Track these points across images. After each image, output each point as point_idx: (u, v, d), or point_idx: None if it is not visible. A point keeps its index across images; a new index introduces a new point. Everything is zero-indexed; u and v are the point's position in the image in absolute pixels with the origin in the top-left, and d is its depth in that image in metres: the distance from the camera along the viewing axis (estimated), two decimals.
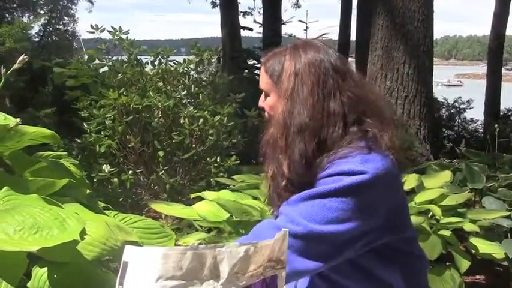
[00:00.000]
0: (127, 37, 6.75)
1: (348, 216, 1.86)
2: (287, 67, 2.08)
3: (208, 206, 4.32)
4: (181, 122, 6.17)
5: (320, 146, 1.97)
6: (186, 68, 6.94)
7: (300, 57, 2.08)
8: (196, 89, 6.70)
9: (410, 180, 4.91)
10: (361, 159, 1.91)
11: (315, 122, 2.00)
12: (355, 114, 2.01)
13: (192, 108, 6.30)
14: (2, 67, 2.56)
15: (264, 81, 2.14)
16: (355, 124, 2.00)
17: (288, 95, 2.05)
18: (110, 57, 6.95)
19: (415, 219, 4.10)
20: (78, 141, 6.41)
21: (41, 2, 20.60)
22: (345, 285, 2.02)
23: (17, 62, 2.53)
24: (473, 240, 4.63)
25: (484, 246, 4.57)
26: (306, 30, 15.29)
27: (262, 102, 2.19)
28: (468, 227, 4.62)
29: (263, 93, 2.18)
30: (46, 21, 19.22)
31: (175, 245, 2.73)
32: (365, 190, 1.88)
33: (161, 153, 6.19)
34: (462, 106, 13.71)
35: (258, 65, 17.09)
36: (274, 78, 2.10)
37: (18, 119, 2.38)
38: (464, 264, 4.34)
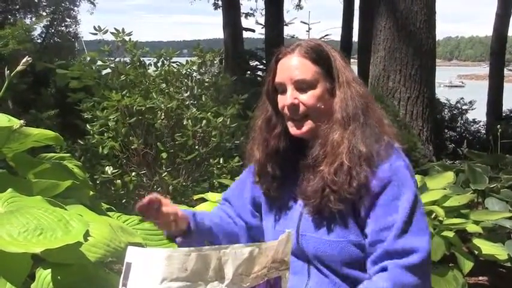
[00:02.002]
0: (130, 39, 6.74)
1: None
2: (335, 56, 2.06)
3: (212, 208, 4.32)
4: (184, 123, 6.16)
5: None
6: (188, 70, 6.93)
7: (332, 48, 2.10)
8: (199, 90, 6.69)
9: None
10: (396, 149, 2.02)
11: (371, 111, 2.06)
12: None
13: (195, 109, 6.28)
14: (6, 69, 2.56)
15: (310, 72, 2.01)
16: None
17: (348, 82, 2.03)
18: (112, 58, 6.95)
19: None
20: (81, 142, 6.40)
21: (43, 3, 20.62)
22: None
23: (21, 64, 2.53)
24: (476, 241, 4.63)
25: (487, 248, 4.57)
26: (308, 31, 15.31)
27: (295, 97, 2.02)
28: (471, 228, 4.61)
29: (292, 88, 2.03)
30: (48, 22, 19.23)
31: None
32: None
33: (164, 155, 6.18)
34: (464, 107, 13.70)
35: (261, 66, 17.09)
36: (325, 67, 2.03)
37: (22, 121, 2.39)
38: (467, 265, 4.34)
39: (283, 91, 2.06)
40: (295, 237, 2.06)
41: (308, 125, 2.03)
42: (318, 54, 2.03)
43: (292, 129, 2.06)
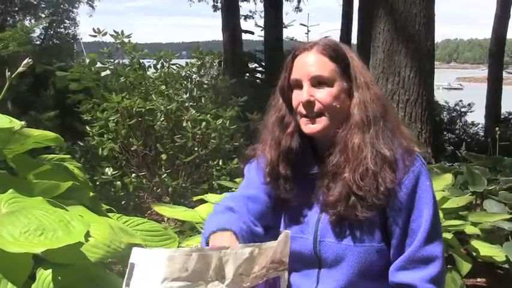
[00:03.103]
0: (129, 40, 6.76)
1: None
2: (353, 57, 2.04)
3: (211, 209, 4.31)
4: (184, 125, 6.18)
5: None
6: (188, 72, 6.96)
7: (349, 48, 2.07)
8: (199, 92, 6.71)
9: None
10: (417, 154, 2.01)
11: (390, 114, 2.04)
12: None
13: (194, 111, 6.30)
14: (6, 70, 2.57)
15: (327, 69, 1.97)
16: None
17: (367, 83, 2.00)
18: (112, 60, 6.96)
19: None
20: (81, 144, 6.42)
21: (43, 5, 20.66)
22: None
23: (22, 66, 2.54)
24: (475, 243, 4.63)
25: (485, 249, 4.57)
26: (307, 33, 15.26)
27: (311, 94, 1.98)
28: (469, 229, 4.61)
29: (309, 84, 1.98)
30: (47, 24, 19.25)
31: (179, 247, 2.73)
32: None
33: (164, 156, 6.20)
34: (463, 109, 13.72)
35: (260, 69, 17.08)
36: (342, 66, 2.00)
37: (23, 122, 2.39)
38: (466, 267, 4.34)
39: (299, 87, 2.01)
40: (311, 244, 2.03)
41: (322, 122, 1.98)
42: (335, 52, 2.00)
43: (306, 127, 2.01)
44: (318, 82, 1.98)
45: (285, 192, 2.10)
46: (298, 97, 2.01)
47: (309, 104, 1.97)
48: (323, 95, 1.97)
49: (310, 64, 1.99)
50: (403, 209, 1.94)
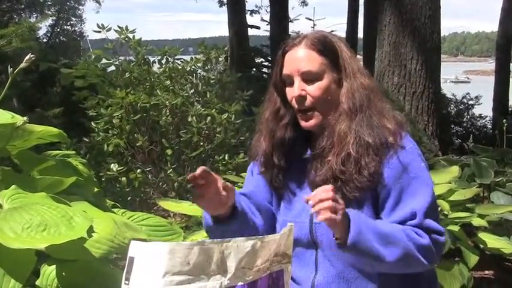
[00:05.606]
0: (134, 36, 6.76)
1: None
2: (342, 47, 2.09)
3: None
4: (189, 120, 6.18)
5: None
6: (193, 66, 6.95)
7: (338, 38, 2.13)
8: (204, 87, 6.70)
9: None
10: (405, 136, 2.08)
11: (376, 101, 2.09)
12: None
13: (199, 106, 6.30)
14: (9, 67, 2.57)
15: (316, 63, 2.03)
16: None
17: (355, 72, 2.06)
18: (117, 56, 6.97)
19: None
20: (86, 140, 6.42)
21: (49, 2, 20.67)
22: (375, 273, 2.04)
23: (24, 61, 2.54)
24: (482, 235, 4.62)
25: (493, 241, 4.56)
26: (313, 27, 15.23)
27: (302, 88, 2.04)
28: (476, 222, 4.61)
29: (299, 79, 2.04)
30: (53, 21, 19.28)
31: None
32: None
33: (169, 152, 6.19)
34: (470, 102, 13.66)
35: (266, 63, 17.07)
36: (331, 58, 2.06)
37: (25, 118, 2.39)
38: (473, 259, 4.33)
39: (291, 83, 2.07)
40: (307, 227, 2.07)
41: (316, 117, 2.06)
42: (324, 45, 2.06)
43: (302, 123, 2.08)
44: (308, 77, 2.04)
45: (278, 182, 2.18)
46: (291, 92, 2.08)
47: (301, 99, 2.05)
48: (313, 89, 2.04)
49: (300, 59, 2.06)
50: (394, 186, 1.99)
